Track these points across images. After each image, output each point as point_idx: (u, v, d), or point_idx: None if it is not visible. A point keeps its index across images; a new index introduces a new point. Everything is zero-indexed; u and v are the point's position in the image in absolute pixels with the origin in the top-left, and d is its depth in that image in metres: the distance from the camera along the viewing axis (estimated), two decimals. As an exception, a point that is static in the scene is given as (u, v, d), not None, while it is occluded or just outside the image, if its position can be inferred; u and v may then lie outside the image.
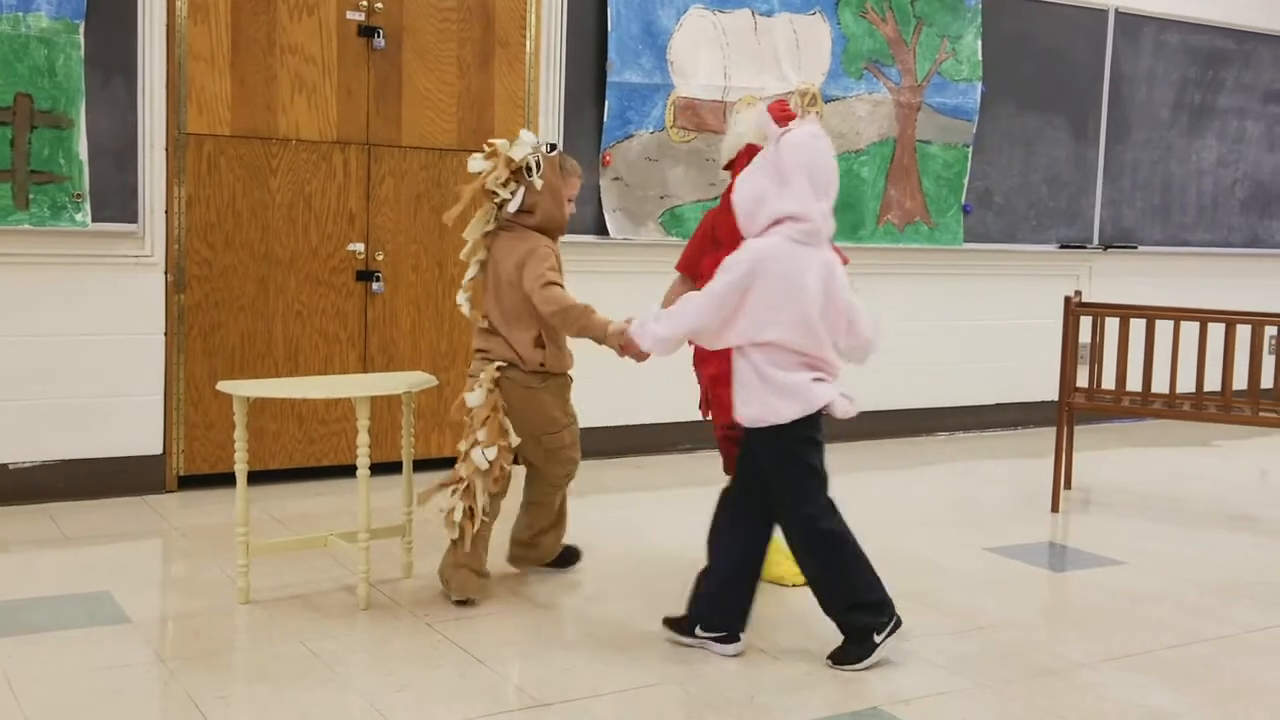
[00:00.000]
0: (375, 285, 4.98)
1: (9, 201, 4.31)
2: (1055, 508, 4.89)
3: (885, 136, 6.13)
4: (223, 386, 3.45)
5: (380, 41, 4.91)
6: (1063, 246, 6.82)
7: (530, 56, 5.27)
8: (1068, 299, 4.95)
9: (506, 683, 2.97)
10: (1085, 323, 5.18)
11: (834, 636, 3.21)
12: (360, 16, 4.88)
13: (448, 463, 5.09)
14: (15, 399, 4.42)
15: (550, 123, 5.34)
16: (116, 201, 4.51)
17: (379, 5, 4.91)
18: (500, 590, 3.64)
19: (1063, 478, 5.00)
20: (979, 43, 6.34)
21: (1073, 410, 4.98)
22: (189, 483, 4.70)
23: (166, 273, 4.64)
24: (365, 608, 3.43)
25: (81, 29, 4.37)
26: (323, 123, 4.86)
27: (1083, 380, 5.14)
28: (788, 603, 3.63)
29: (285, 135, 4.80)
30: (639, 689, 2.96)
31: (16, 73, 4.29)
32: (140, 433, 4.63)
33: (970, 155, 6.38)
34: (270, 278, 4.81)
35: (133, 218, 4.55)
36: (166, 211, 4.61)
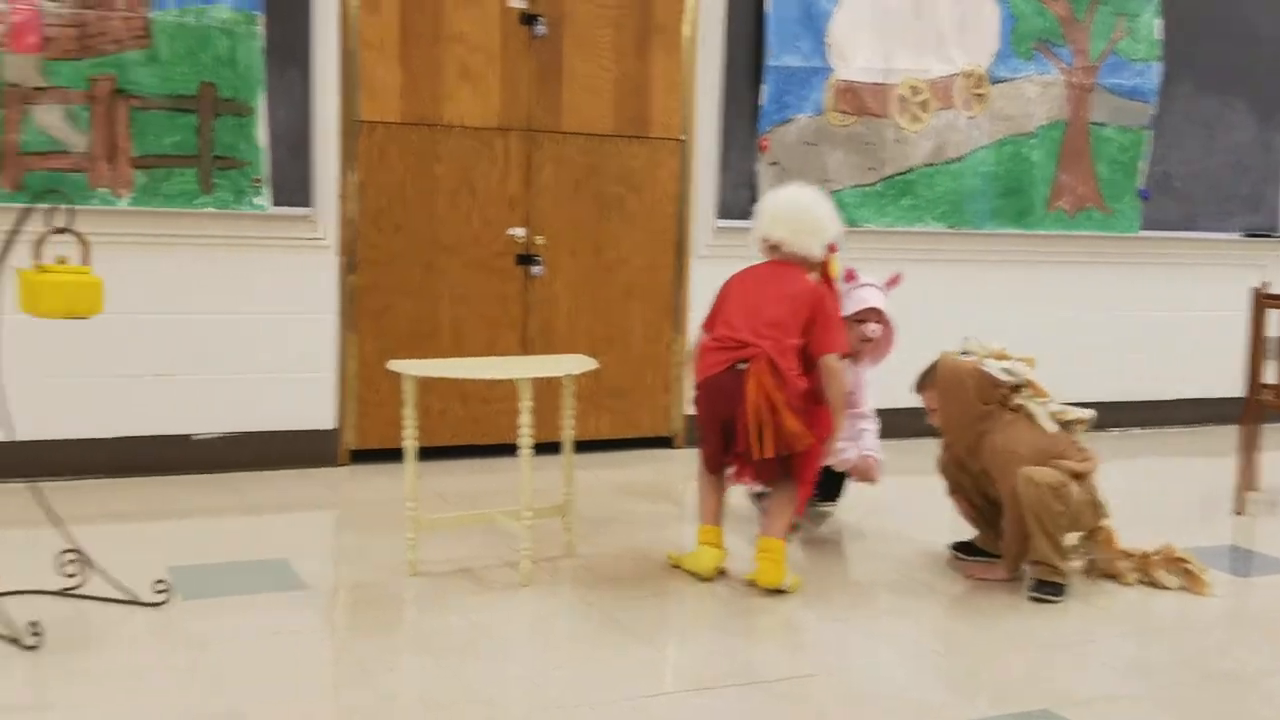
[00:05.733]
0: (535, 269, 5.05)
1: (195, 186, 4.52)
2: (1239, 510, 4.64)
3: (1056, 119, 5.91)
4: (393, 365, 3.55)
5: (541, 29, 4.97)
6: (1247, 235, 6.45)
7: (687, 41, 5.26)
8: (1256, 290, 4.69)
9: (665, 664, 2.98)
10: (1274, 315, 4.89)
11: (996, 629, 3.10)
12: (522, 4, 4.95)
13: (606, 444, 5.19)
14: (199, 373, 4.64)
15: (707, 108, 5.32)
16: (292, 186, 4.68)
17: (543, -8, 4.97)
18: (663, 572, 3.66)
19: (1247, 478, 4.74)
20: (1158, 20, 6.05)
21: (1261, 407, 4.71)
22: (360, 457, 4.87)
23: (339, 255, 4.80)
24: (527, 584, 3.48)
25: (260, 20, 4.55)
26: (486, 110, 4.95)
27: (1271, 376, 4.86)
28: (956, 598, 3.55)
29: (450, 122, 4.90)
30: (797, 678, 2.93)
31: (200, 62, 4.49)
32: (315, 408, 4.81)
33: (1148, 138, 6.10)
34: (435, 262, 4.93)
35: (308, 202, 4.72)
36: (339, 196, 4.77)
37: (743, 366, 3.40)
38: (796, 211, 3.59)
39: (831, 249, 3.71)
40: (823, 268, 3.73)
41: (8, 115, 4.26)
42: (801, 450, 3.46)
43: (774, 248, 3.62)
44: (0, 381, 3.12)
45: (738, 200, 5.32)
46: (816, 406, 3.52)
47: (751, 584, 3.50)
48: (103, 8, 4.34)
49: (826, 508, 4.34)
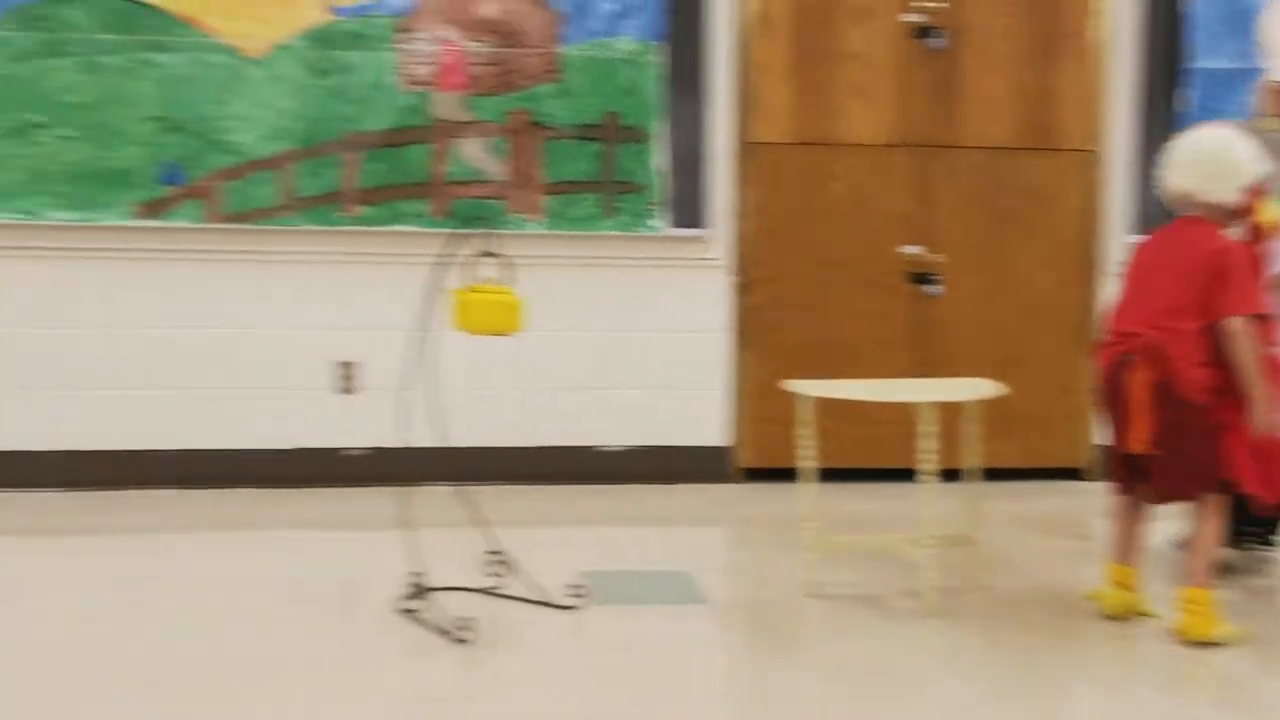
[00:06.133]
0: (932, 288, 4.89)
1: (598, 210, 4.74)
2: None
3: None
4: (789, 385, 3.52)
5: (938, 41, 4.82)
6: None
7: (1098, 47, 4.92)
8: None
9: (1091, 713, 2.74)
10: None
11: None
12: (919, 18, 4.82)
13: (1008, 473, 4.88)
14: (602, 388, 4.83)
15: (1120, 116, 4.95)
16: (685, 209, 4.80)
17: (943, 4, 4.81)
18: (1076, 614, 3.37)
19: None
20: None
21: None
22: (752, 475, 4.88)
23: (732, 275, 4.86)
24: (930, 615, 3.32)
25: (659, 49, 4.70)
26: (878, 126, 4.86)
27: None
28: None
29: (843, 140, 4.84)
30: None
31: (605, 93, 4.70)
32: (708, 425, 4.89)
33: None
34: (828, 281, 4.88)
35: (701, 224, 4.81)
36: (734, 217, 4.83)
37: (1129, 359, 3.10)
38: (1205, 155, 3.20)
39: (1257, 192, 3.24)
40: (1246, 215, 3.28)
41: (437, 149, 4.65)
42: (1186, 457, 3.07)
43: (1183, 199, 3.25)
44: (437, 393, 3.38)
45: (1155, 214, 4.89)
46: (1231, 399, 3.09)
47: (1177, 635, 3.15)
48: (519, 46, 4.65)
49: (1266, 552, 3.85)
